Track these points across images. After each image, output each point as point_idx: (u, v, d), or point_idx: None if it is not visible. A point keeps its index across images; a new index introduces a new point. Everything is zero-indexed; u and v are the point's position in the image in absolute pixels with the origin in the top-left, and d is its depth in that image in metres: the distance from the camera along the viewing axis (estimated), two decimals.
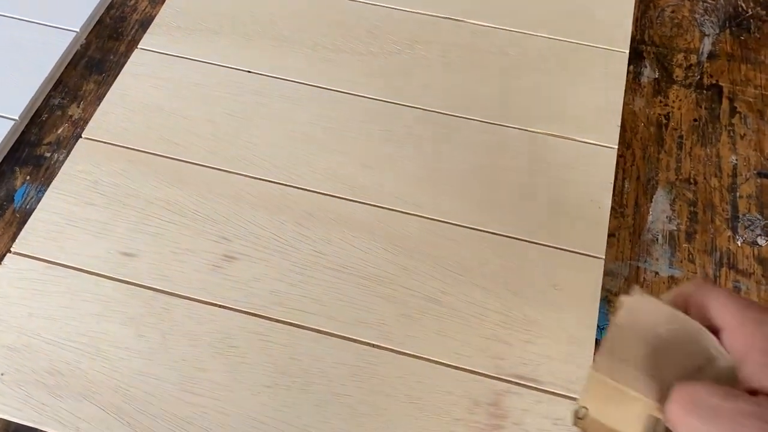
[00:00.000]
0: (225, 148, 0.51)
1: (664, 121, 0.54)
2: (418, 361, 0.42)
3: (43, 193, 0.48)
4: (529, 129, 0.52)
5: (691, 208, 0.49)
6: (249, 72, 0.55)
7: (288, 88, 0.54)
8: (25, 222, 0.47)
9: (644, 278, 0.46)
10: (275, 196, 0.48)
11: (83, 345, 0.42)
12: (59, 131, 0.53)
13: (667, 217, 0.49)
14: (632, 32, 0.58)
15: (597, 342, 0.43)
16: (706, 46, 0.58)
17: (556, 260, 0.45)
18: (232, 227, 0.47)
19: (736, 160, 0.52)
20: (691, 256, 0.47)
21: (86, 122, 0.52)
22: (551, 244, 0.46)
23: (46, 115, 0.53)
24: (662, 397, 0.28)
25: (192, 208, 0.48)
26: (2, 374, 0.41)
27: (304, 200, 0.48)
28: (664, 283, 0.46)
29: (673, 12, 0.60)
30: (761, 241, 0.48)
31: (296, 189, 0.49)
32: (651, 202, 0.50)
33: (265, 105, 0.53)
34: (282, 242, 0.46)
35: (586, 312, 0.44)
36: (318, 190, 0.49)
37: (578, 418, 0.31)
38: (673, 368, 0.29)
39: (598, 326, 0.43)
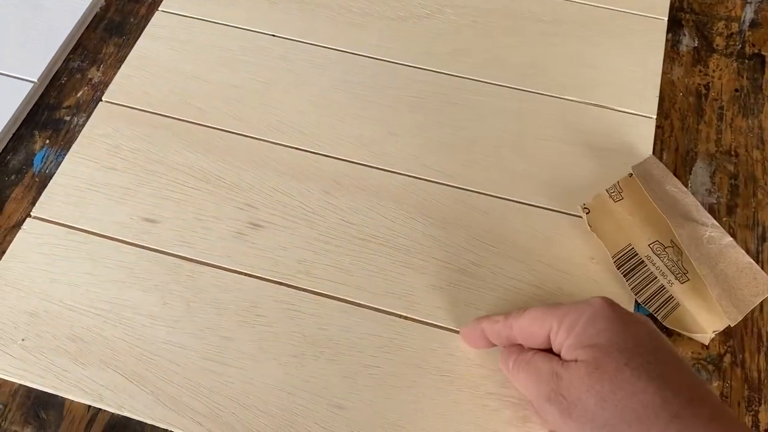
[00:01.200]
0: (249, 113, 0.49)
1: (704, 91, 0.52)
2: (449, 334, 0.41)
3: (63, 158, 0.47)
4: (564, 97, 0.50)
5: (732, 181, 0.48)
6: (274, 36, 0.53)
7: (314, 53, 0.52)
8: (44, 186, 0.46)
9: None
10: (301, 163, 0.47)
11: (105, 312, 0.41)
12: (79, 95, 0.51)
13: (706, 190, 0.47)
14: None
15: None
16: (748, 13, 0.55)
17: (594, 233, 0.44)
18: (257, 194, 0.46)
19: None
20: (732, 230, 0.46)
21: (106, 86, 0.51)
22: None
23: (65, 78, 0.52)
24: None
25: (216, 174, 0.46)
26: (23, 339, 0.40)
27: (331, 168, 0.47)
28: None
29: None
30: None
31: (322, 156, 0.47)
32: (690, 174, 0.48)
33: (290, 70, 0.51)
34: (308, 210, 0.45)
35: (623, 286, 0.42)
36: (345, 158, 0.47)
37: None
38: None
39: (635, 301, 0.42)
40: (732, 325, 0.41)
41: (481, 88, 0.50)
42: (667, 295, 0.42)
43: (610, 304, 0.34)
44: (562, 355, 0.33)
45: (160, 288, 0.42)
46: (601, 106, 0.49)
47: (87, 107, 0.50)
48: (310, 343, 0.41)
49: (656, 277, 0.42)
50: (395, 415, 0.38)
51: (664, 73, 0.52)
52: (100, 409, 0.39)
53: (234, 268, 0.43)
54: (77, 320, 0.41)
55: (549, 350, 0.35)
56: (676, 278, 0.42)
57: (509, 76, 0.51)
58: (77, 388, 0.39)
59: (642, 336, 0.32)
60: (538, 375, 0.33)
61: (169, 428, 0.38)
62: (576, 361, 0.32)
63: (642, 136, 0.48)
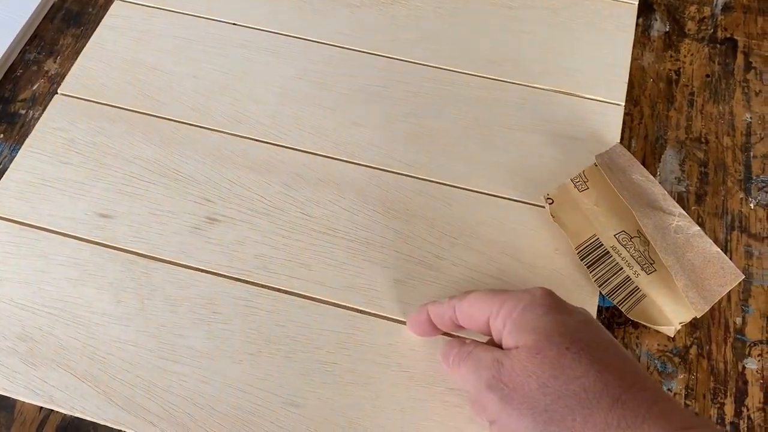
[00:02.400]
0: (208, 104, 0.48)
1: (675, 77, 0.51)
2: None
3: (17, 152, 0.46)
4: (530, 85, 0.49)
5: (702, 169, 0.47)
6: (234, 24, 0.51)
7: (275, 42, 0.51)
8: None
9: None
10: (261, 155, 0.46)
11: (57, 310, 0.40)
12: (35, 87, 0.50)
13: (676, 178, 0.46)
14: None
15: (599, 308, 0.41)
16: None
17: (555, 224, 0.43)
18: (215, 188, 0.45)
19: (751, 118, 0.49)
20: (701, 219, 0.45)
21: (63, 78, 0.49)
22: None
23: (21, 71, 0.51)
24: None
25: (173, 168, 0.45)
26: None
27: (292, 160, 0.46)
28: None
29: None
30: None
31: (283, 148, 0.46)
32: (660, 162, 0.47)
33: (251, 59, 0.50)
34: (267, 204, 0.44)
35: (588, 278, 0.41)
36: (306, 149, 0.46)
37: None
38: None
39: (600, 293, 0.41)
40: (698, 317, 0.40)
41: (447, 76, 0.49)
42: (632, 287, 0.41)
43: (550, 294, 0.34)
44: (503, 342, 0.33)
45: (114, 285, 0.41)
46: (569, 94, 0.48)
47: (43, 100, 0.49)
48: (266, 341, 0.40)
49: (622, 268, 0.42)
50: (352, 413, 0.38)
51: (634, 58, 0.51)
52: (52, 410, 0.38)
53: (190, 264, 0.42)
54: (28, 319, 0.40)
55: (490, 339, 0.35)
56: (642, 269, 0.42)
57: (475, 64, 0.50)
58: (27, 389, 0.38)
59: (580, 324, 0.32)
60: (479, 363, 0.33)
61: (122, 429, 0.37)
62: (517, 347, 0.32)
63: (610, 123, 0.47)
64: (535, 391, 0.30)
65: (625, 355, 0.32)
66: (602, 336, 0.32)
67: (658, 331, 0.41)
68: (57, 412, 0.38)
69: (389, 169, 0.45)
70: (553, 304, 0.33)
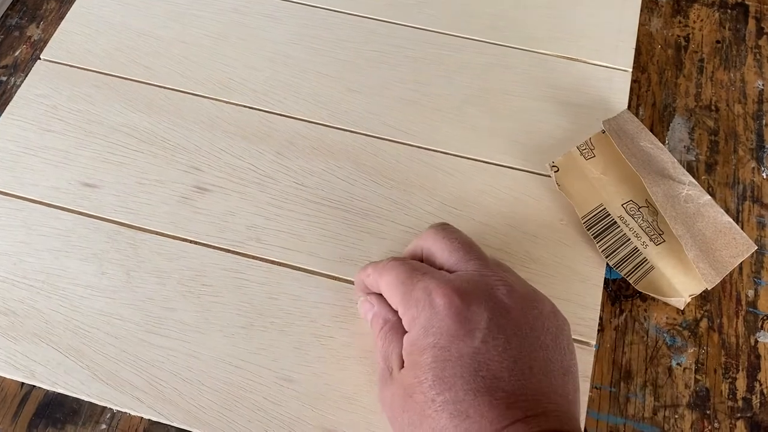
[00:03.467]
0: (199, 70, 0.46)
1: (684, 43, 0.49)
2: None
3: None
4: (534, 50, 0.47)
5: (712, 137, 0.45)
6: None
7: (269, 5, 0.49)
8: None
9: None
10: (253, 122, 0.44)
11: (40, 283, 0.39)
12: (17, 53, 0.48)
13: (685, 147, 0.44)
14: None
15: (606, 281, 0.39)
16: None
17: (561, 192, 0.41)
18: (204, 156, 0.43)
19: (763, 85, 0.47)
20: (711, 189, 0.43)
21: (46, 44, 0.47)
22: None
23: (2, 36, 0.48)
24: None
25: (161, 136, 0.43)
26: None
27: (285, 127, 0.44)
28: None
29: None
30: None
31: (276, 115, 0.44)
32: (668, 130, 0.45)
33: (243, 24, 0.48)
34: (260, 173, 0.42)
35: (594, 249, 0.40)
36: (300, 117, 0.44)
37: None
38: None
39: (607, 265, 0.39)
40: (709, 289, 0.38)
41: (446, 41, 0.47)
42: (640, 258, 0.39)
43: (456, 312, 0.29)
44: (403, 354, 0.31)
45: (98, 257, 0.39)
46: (574, 59, 0.46)
47: (25, 67, 0.47)
48: (258, 314, 0.38)
49: (629, 239, 0.40)
50: (348, 388, 0.36)
51: (641, 24, 0.49)
52: (34, 386, 0.37)
53: (178, 235, 0.40)
54: (9, 292, 0.38)
55: None
56: (650, 240, 0.40)
57: (476, 29, 0.48)
58: (8, 364, 0.36)
59: (469, 355, 0.29)
60: (384, 361, 0.32)
61: (107, 405, 0.36)
62: (405, 369, 0.30)
63: (617, 90, 0.45)
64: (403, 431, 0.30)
65: (514, 392, 0.28)
66: (486, 374, 0.28)
67: (667, 304, 0.39)
68: (39, 387, 0.37)
69: (387, 137, 0.44)
70: (448, 326, 0.29)
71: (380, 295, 0.34)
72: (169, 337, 0.37)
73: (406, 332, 0.31)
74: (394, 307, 0.32)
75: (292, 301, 0.38)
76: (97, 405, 0.36)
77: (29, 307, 0.38)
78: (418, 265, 0.33)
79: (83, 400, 0.36)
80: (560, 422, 0.28)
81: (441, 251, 0.33)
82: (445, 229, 0.34)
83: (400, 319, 0.32)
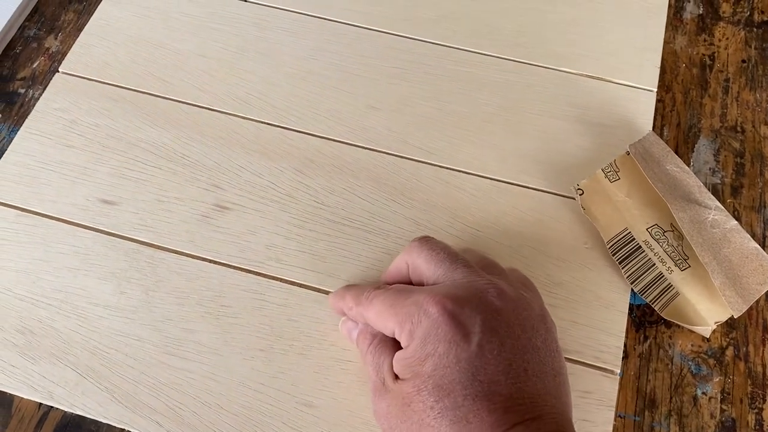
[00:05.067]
0: (218, 86, 0.45)
1: (709, 62, 0.48)
2: None
3: (16, 134, 0.44)
4: (557, 68, 0.46)
5: (738, 159, 0.44)
6: (246, 1, 0.49)
7: (288, 19, 0.48)
8: None
9: None
10: (273, 139, 0.43)
11: (58, 302, 0.38)
12: (35, 65, 0.47)
13: (710, 169, 0.44)
14: None
15: (630, 307, 0.39)
16: None
17: (586, 216, 0.40)
18: (224, 174, 0.42)
19: None
20: (737, 213, 0.42)
21: (64, 56, 0.47)
22: None
23: (20, 48, 0.48)
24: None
25: (180, 152, 0.43)
26: None
27: (305, 145, 0.43)
28: None
29: None
30: None
31: (296, 132, 0.44)
32: (693, 152, 0.44)
33: (263, 38, 0.47)
34: (280, 191, 0.42)
35: (618, 273, 0.39)
36: (320, 134, 0.44)
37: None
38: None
39: (632, 291, 0.39)
40: (735, 316, 0.38)
41: (468, 58, 0.47)
42: (665, 284, 0.39)
43: (450, 317, 0.29)
44: (396, 367, 0.31)
45: (117, 275, 0.39)
46: (598, 78, 0.46)
47: (43, 79, 0.47)
48: (278, 336, 0.37)
49: (654, 264, 0.39)
50: (369, 414, 0.35)
51: (666, 42, 0.48)
52: (52, 407, 0.36)
53: (198, 254, 0.40)
54: (27, 311, 0.38)
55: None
56: (675, 265, 0.39)
57: (498, 46, 0.47)
58: (26, 384, 0.36)
59: (467, 360, 0.28)
60: (377, 374, 0.32)
61: (126, 428, 0.35)
62: (402, 380, 0.30)
63: (641, 110, 0.45)
64: None
65: (510, 403, 0.28)
66: (484, 380, 0.28)
67: (692, 331, 0.38)
68: (57, 409, 0.36)
69: (408, 156, 0.43)
70: (447, 335, 0.29)
71: None
72: (187, 359, 0.37)
73: (401, 348, 0.31)
74: (389, 333, 0.32)
75: (311, 323, 0.38)
76: (115, 428, 0.36)
77: (47, 326, 0.38)
78: (401, 287, 0.33)
79: (101, 422, 0.36)
80: (557, 425, 0.28)
81: (427, 263, 0.33)
82: (428, 241, 0.34)
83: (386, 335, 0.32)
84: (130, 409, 0.36)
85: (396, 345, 0.32)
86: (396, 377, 0.31)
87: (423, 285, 0.33)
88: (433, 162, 0.43)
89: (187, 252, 0.40)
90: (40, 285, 0.39)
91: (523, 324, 0.30)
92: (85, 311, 0.38)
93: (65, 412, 0.36)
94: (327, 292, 0.39)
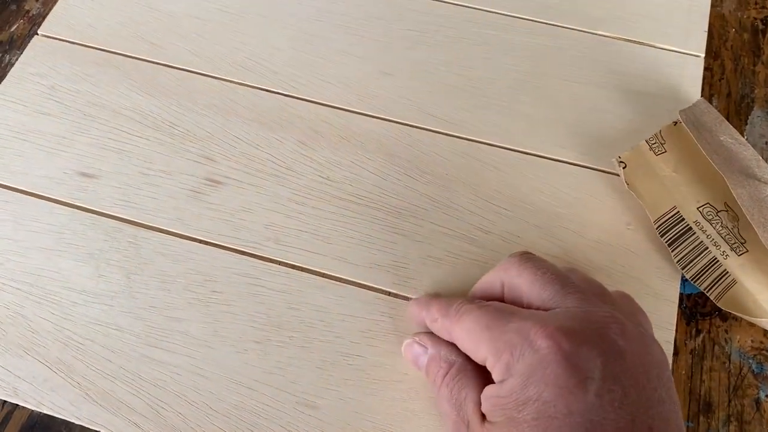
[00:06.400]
0: (213, 49, 0.41)
1: (761, 27, 0.43)
2: None
3: None
4: (594, 32, 0.41)
5: None
6: None
7: None
8: None
9: None
10: (273, 108, 0.39)
11: (27, 285, 0.34)
12: (13, 29, 0.43)
13: (766, 143, 0.39)
14: None
15: (681, 296, 0.34)
16: None
17: (631, 193, 0.35)
18: (218, 145, 0.38)
19: None
20: None
21: (46, 18, 0.42)
22: None
23: None
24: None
25: (169, 121, 0.38)
26: None
27: (309, 114, 0.39)
28: None
29: None
30: None
31: (299, 100, 0.39)
32: (746, 124, 0.39)
33: None
34: (280, 164, 0.37)
35: (666, 259, 0.34)
36: (326, 102, 0.39)
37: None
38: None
39: (682, 278, 0.34)
40: None
41: (494, 20, 0.42)
42: (720, 270, 0.34)
43: (564, 357, 0.24)
44: (485, 405, 0.26)
45: (95, 257, 0.34)
46: (639, 43, 0.41)
47: (22, 43, 0.42)
48: (276, 327, 0.33)
49: (707, 248, 0.34)
50: (379, 416, 0.31)
51: (713, 5, 0.43)
52: (17, 405, 0.32)
53: (186, 234, 0.35)
54: None
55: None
56: (731, 249, 0.34)
57: (528, 7, 0.42)
58: None
59: (580, 413, 0.23)
60: (457, 412, 0.27)
61: (99, 430, 0.31)
62: (491, 423, 0.25)
63: (688, 77, 0.40)
64: None
65: None
66: (603, 429, 0.23)
67: (752, 324, 0.33)
68: (23, 407, 0.32)
69: (424, 126, 0.38)
70: (558, 377, 0.24)
71: (433, 334, 0.29)
72: (173, 352, 0.32)
73: (486, 379, 0.26)
74: (478, 360, 0.27)
75: (314, 312, 0.33)
76: (88, 429, 0.31)
77: (14, 313, 0.33)
78: (500, 305, 0.27)
79: (73, 423, 0.31)
80: None
81: (530, 285, 0.27)
82: (530, 259, 0.28)
83: (467, 360, 0.27)
84: (106, 408, 0.31)
85: (480, 376, 0.27)
86: (483, 418, 0.26)
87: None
88: (452, 133, 0.38)
89: (174, 231, 0.35)
90: (8, 267, 0.34)
91: (648, 371, 0.24)
92: (57, 297, 0.33)
93: (32, 411, 0.32)
94: (331, 277, 0.34)
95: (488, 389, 0.26)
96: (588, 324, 0.25)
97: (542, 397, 0.24)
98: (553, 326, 0.24)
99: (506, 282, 0.29)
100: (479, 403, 0.26)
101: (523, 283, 0.28)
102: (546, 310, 0.26)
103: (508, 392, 0.24)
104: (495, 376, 0.26)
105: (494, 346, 0.25)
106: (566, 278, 0.27)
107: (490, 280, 0.30)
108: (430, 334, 0.30)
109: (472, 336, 0.27)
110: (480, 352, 0.26)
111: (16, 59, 0.41)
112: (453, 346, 0.29)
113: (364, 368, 0.32)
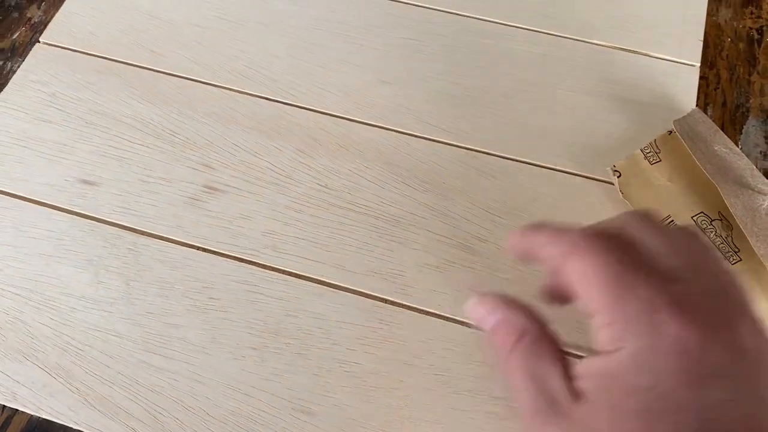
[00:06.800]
0: (212, 57, 0.41)
1: (756, 36, 0.43)
2: (445, 323, 0.33)
3: None
4: (589, 41, 0.42)
5: None
6: None
7: None
8: None
9: None
10: (271, 116, 0.39)
11: (27, 291, 0.34)
12: (15, 36, 0.43)
13: (761, 153, 0.39)
14: None
15: None
16: None
17: (626, 202, 0.36)
18: (217, 153, 0.38)
19: None
20: None
21: (47, 26, 0.43)
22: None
23: (0, 17, 0.44)
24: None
25: (169, 129, 0.39)
26: None
27: (307, 122, 0.39)
28: None
29: None
30: None
31: (298, 108, 0.39)
32: (741, 134, 0.40)
33: (262, 6, 0.43)
34: (278, 172, 0.37)
35: None
36: (324, 110, 0.39)
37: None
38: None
39: None
40: None
41: (491, 29, 0.42)
42: None
43: (690, 347, 0.21)
44: (580, 382, 0.22)
45: (94, 263, 0.35)
46: (635, 52, 0.41)
47: (24, 51, 0.43)
48: (273, 333, 0.33)
49: None
50: (375, 423, 0.31)
51: (708, 15, 0.44)
52: (16, 410, 0.32)
53: (185, 241, 0.35)
54: None
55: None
56: (725, 258, 0.35)
57: (525, 16, 0.42)
58: None
59: (695, 410, 0.21)
60: (537, 386, 0.23)
61: None
62: (589, 402, 0.22)
63: (683, 87, 0.40)
64: None
65: None
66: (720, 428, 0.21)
67: None
68: (22, 412, 0.32)
69: (422, 135, 0.39)
70: (678, 368, 0.21)
71: (503, 297, 0.26)
72: (171, 359, 0.32)
73: (598, 353, 0.22)
74: (583, 306, 0.23)
75: (311, 319, 0.33)
76: None
77: (14, 318, 0.33)
78: (632, 256, 0.23)
79: (72, 428, 0.31)
80: None
81: (657, 247, 0.23)
82: (654, 217, 0.24)
83: (542, 329, 0.24)
84: (104, 413, 0.31)
85: (557, 349, 0.23)
86: (577, 395, 0.22)
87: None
88: (449, 141, 0.38)
89: (172, 238, 0.35)
90: (8, 273, 0.35)
91: (762, 369, 0.22)
92: (57, 303, 0.34)
93: (31, 416, 0.32)
94: (329, 284, 0.34)
95: (592, 363, 0.22)
96: (722, 311, 0.22)
97: (655, 389, 0.21)
98: (687, 309, 0.21)
99: (627, 237, 0.24)
100: (567, 378, 0.22)
101: (651, 244, 0.23)
102: (674, 278, 0.22)
103: (613, 372, 0.21)
104: (599, 342, 0.22)
105: (612, 307, 0.22)
106: (706, 248, 0.23)
107: (605, 229, 0.24)
108: (502, 296, 0.26)
109: (587, 282, 0.23)
110: (592, 303, 0.22)
111: (18, 67, 0.42)
112: (527, 310, 0.25)
113: (361, 375, 0.32)
